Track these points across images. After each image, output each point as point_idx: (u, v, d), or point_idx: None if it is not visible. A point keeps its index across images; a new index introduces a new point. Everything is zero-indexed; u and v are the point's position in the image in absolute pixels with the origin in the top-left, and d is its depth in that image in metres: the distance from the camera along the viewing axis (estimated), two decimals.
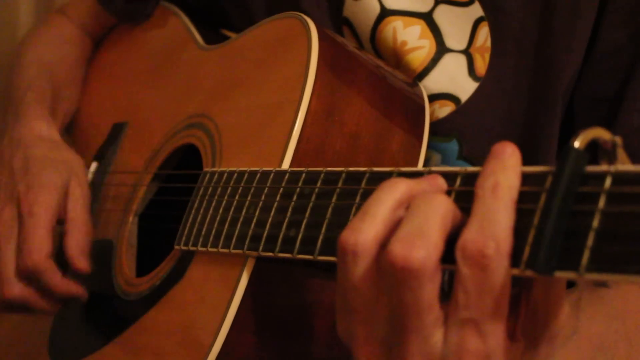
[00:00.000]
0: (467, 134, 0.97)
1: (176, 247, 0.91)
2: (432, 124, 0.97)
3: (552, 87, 0.94)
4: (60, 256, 1.03)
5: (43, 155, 1.09)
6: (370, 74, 0.92)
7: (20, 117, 1.15)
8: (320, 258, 0.71)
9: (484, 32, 0.96)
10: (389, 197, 0.62)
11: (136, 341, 0.93)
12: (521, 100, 0.96)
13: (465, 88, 0.97)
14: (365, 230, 0.61)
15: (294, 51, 0.89)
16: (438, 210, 0.58)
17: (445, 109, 0.97)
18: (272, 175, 0.82)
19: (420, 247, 0.57)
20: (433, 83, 0.97)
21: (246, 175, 0.85)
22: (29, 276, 1.00)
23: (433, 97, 0.97)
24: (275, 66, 0.93)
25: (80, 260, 1.03)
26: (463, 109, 0.97)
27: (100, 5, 1.28)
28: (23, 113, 1.16)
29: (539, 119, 0.96)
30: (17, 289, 1.01)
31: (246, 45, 1.01)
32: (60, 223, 1.04)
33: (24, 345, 1.14)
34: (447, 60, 0.97)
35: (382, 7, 0.97)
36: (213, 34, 1.15)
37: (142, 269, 1.02)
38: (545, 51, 0.94)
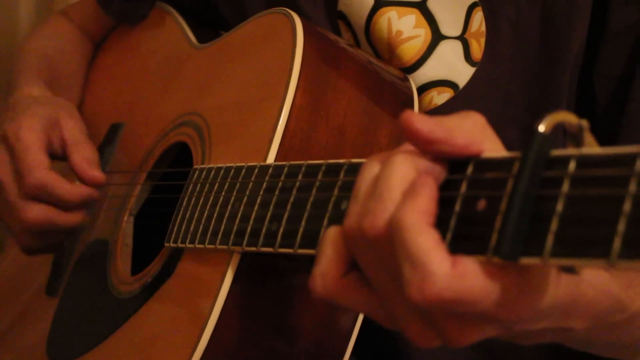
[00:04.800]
0: None
1: (166, 244, 0.92)
2: (431, 111, 0.97)
3: (555, 68, 0.94)
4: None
5: (29, 101, 1.10)
6: (358, 67, 0.92)
7: (13, 88, 1.16)
8: (300, 251, 0.71)
9: (478, 17, 0.96)
10: (368, 173, 0.61)
11: (129, 337, 0.93)
12: (520, 82, 0.96)
13: (462, 74, 0.97)
14: (351, 214, 0.61)
15: (280, 46, 0.89)
16: (394, 170, 0.58)
17: (443, 96, 0.97)
18: (256, 170, 0.82)
19: (382, 212, 0.57)
20: (430, 71, 0.97)
21: (232, 171, 0.85)
22: (38, 195, 1.00)
23: (431, 85, 0.97)
24: (261, 62, 0.93)
25: (92, 169, 1.02)
26: (461, 95, 0.97)
27: (99, 5, 1.29)
28: (17, 84, 1.17)
29: (542, 100, 0.96)
30: (34, 210, 1.01)
31: (235, 42, 1.02)
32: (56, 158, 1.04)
33: (22, 347, 1.15)
34: (443, 47, 0.97)
35: None
36: (207, 32, 1.15)
37: (140, 267, 1.02)
38: (545, 32, 0.94)
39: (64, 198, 1.01)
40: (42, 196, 1.00)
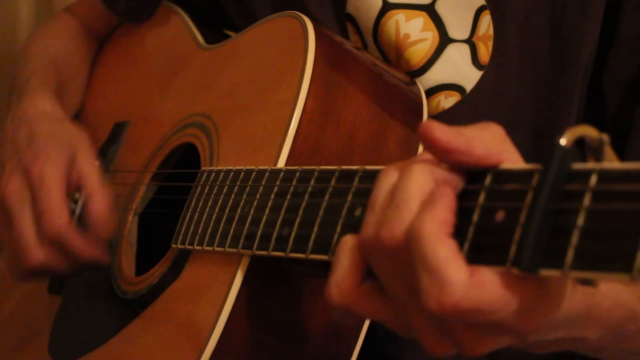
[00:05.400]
0: (474, 123, 0.97)
1: (173, 245, 0.92)
2: (438, 115, 0.98)
3: (565, 72, 0.95)
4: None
5: (47, 131, 1.08)
6: (367, 72, 0.92)
7: (23, 97, 1.15)
8: (312, 256, 0.71)
9: (486, 20, 0.96)
10: (385, 182, 0.62)
11: (134, 338, 0.93)
12: (529, 86, 0.97)
13: (470, 77, 0.97)
14: (368, 224, 0.61)
15: (291, 50, 0.89)
16: (412, 180, 0.58)
17: (450, 100, 0.98)
18: (267, 174, 0.82)
19: (400, 221, 0.57)
20: (437, 74, 0.97)
21: (242, 174, 0.85)
22: (50, 243, 1.00)
23: (438, 88, 0.97)
24: (272, 65, 0.93)
25: (107, 222, 1.02)
26: (468, 99, 0.98)
27: (104, 4, 1.29)
28: (26, 93, 1.16)
29: (552, 104, 0.96)
30: (41, 255, 1.00)
31: (244, 45, 1.02)
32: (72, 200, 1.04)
33: (24, 345, 1.14)
34: (451, 50, 0.97)
35: (384, 1, 0.97)
36: (214, 33, 1.15)
37: (144, 267, 1.02)
38: (555, 36, 0.95)
39: (75, 255, 1.01)
40: (55, 246, 1.00)
